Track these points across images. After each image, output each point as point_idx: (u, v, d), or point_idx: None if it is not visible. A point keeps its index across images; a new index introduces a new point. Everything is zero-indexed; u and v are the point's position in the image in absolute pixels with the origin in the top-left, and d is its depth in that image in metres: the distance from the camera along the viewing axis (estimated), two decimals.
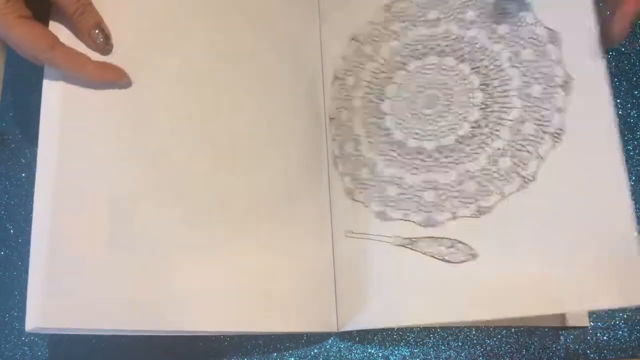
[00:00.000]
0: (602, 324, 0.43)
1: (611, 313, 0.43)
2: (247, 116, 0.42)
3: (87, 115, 0.36)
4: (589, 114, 0.38)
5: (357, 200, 0.43)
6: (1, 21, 0.35)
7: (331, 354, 0.42)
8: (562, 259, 0.38)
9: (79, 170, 0.34)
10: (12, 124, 0.49)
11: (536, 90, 0.41)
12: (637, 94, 0.46)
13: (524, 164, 0.40)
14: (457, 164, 0.42)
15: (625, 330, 0.43)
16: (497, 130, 0.41)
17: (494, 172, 0.41)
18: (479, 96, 0.43)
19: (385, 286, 0.41)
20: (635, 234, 0.36)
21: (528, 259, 0.39)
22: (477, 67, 0.43)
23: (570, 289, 0.38)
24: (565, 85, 0.39)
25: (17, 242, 0.45)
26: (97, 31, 0.38)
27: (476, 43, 0.43)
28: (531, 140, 0.40)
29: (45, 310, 0.31)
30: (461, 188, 0.41)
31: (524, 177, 0.40)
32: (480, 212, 0.40)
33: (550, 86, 0.40)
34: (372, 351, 0.42)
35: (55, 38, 0.36)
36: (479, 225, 0.40)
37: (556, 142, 0.39)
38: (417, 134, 0.43)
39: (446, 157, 0.42)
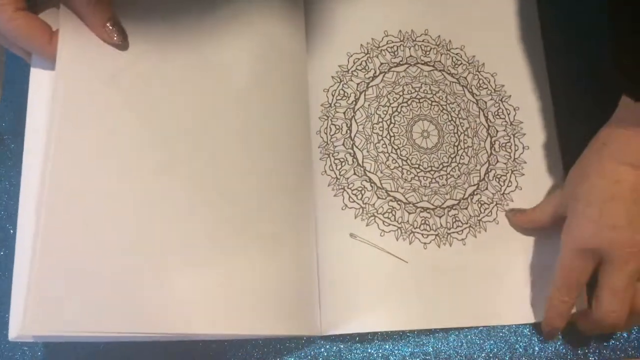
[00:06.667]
0: None
1: None
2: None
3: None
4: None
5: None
6: None
7: (331, 353, 0.42)
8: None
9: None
10: (12, 124, 0.49)
11: None
12: None
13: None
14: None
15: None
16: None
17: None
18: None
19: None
20: None
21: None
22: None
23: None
24: None
25: None
26: (111, 25, 0.36)
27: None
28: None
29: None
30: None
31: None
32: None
33: None
34: (372, 351, 0.42)
35: (52, 31, 0.35)
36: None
37: None
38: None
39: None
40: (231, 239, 0.38)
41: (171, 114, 0.38)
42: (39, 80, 0.36)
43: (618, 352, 0.42)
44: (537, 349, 0.42)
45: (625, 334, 0.43)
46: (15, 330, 0.30)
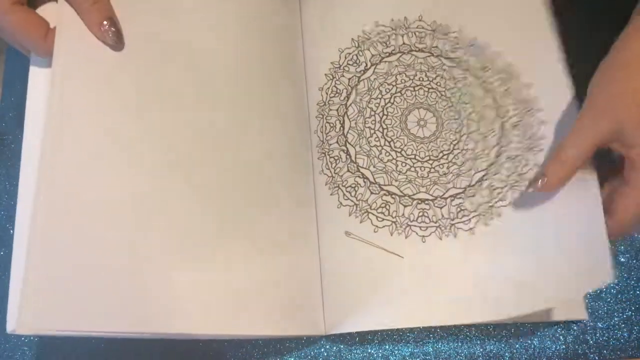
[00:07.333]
0: (602, 324, 0.43)
1: (611, 313, 0.43)
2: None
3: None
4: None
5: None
6: None
7: (331, 354, 0.42)
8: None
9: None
10: (12, 124, 0.49)
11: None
12: None
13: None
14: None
15: (625, 330, 0.43)
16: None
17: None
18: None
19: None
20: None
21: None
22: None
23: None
24: None
25: None
26: (108, 25, 0.35)
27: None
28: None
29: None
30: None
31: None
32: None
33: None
34: (372, 351, 0.42)
35: (48, 27, 0.35)
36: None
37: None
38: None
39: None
40: (233, 238, 0.38)
41: (170, 111, 0.38)
42: (38, 78, 0.36)
43: (618, 352, 0.42)
44: (537, 349, 0.42)
45: (625, 334, 0.42)
46: (12, 324, 0.30)
